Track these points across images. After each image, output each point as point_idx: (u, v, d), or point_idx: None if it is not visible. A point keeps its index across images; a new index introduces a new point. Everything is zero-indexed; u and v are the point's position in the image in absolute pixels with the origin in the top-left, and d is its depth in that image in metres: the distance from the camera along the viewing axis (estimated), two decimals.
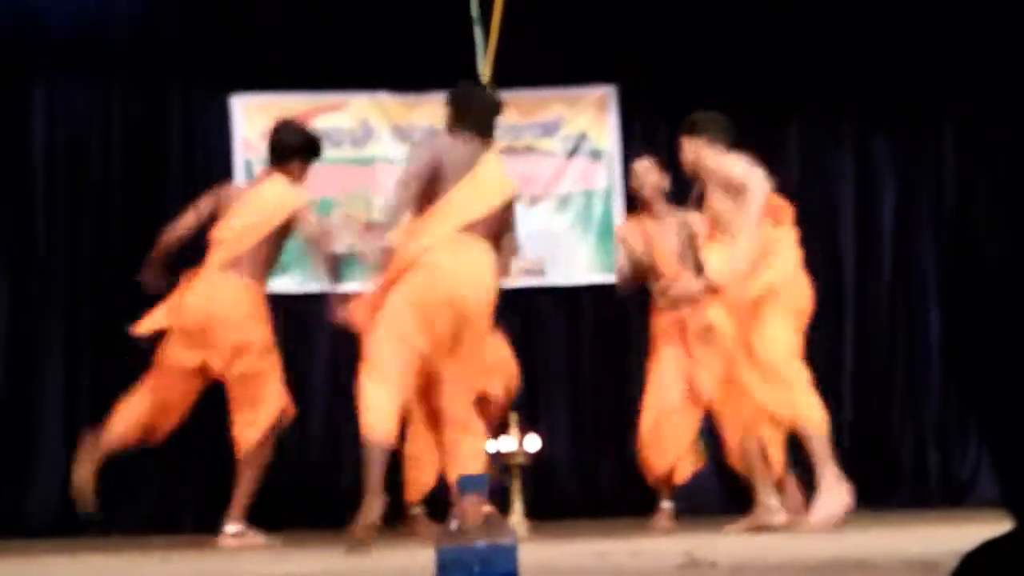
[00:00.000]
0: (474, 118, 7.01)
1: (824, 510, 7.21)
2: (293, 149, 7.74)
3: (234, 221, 7.66)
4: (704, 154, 7.50)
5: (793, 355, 7.42)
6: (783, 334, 7.41)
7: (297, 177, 7.73)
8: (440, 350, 6.70)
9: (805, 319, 7.57)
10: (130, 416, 7.64)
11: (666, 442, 8.29)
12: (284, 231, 7.65)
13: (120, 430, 7.66)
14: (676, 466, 8.34)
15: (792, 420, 7.37)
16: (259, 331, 7.58)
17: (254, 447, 7.51)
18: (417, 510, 7.94)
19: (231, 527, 7.49)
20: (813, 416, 7.32)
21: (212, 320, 7.53)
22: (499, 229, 6.93)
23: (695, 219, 8.21)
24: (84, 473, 7.62)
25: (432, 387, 6.89)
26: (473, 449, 6.81)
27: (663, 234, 8.47)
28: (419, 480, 7.91)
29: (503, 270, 7.01)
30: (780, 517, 7.44)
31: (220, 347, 7.50)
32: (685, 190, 8.05)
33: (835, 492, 7.23)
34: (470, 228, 6.78)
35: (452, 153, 6.88)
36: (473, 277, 6.73)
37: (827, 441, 7.34)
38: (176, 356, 7.60)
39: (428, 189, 6.81)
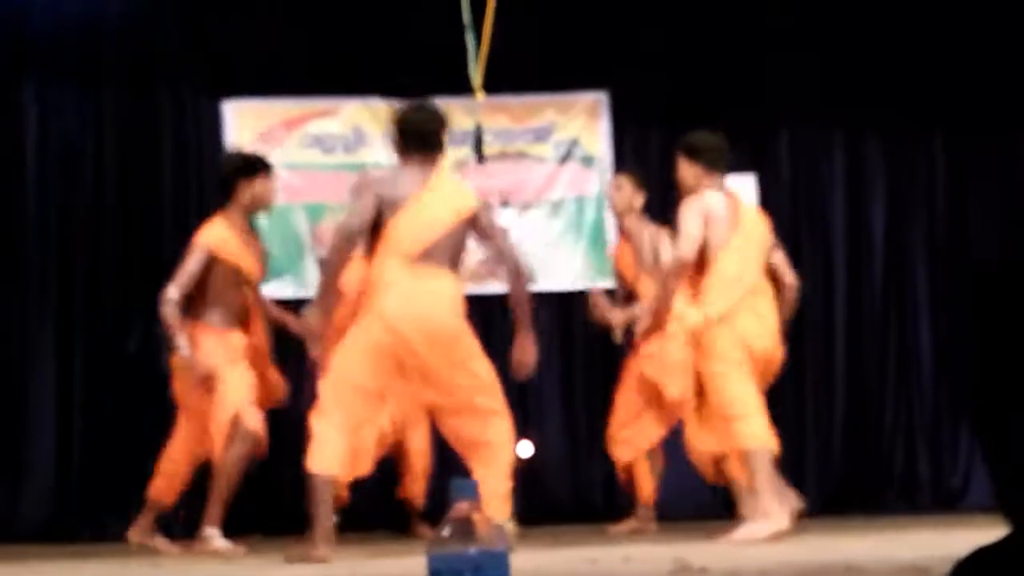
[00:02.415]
0: (415, 139, 6.83)
1: (751, 532, 7.20)
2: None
3: None
4: (701, 183, 7.58)
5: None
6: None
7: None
8: (417, 385, 6.68)
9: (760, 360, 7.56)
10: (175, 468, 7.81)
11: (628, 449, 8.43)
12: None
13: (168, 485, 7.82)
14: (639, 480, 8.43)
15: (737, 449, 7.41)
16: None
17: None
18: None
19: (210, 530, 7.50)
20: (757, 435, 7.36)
21: None
22: (458, 247, 6.80)
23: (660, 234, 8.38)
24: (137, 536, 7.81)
25: (438, 418, 6.91)
26: (491, 457, 6.78)
27: (637, 253, 8.58)
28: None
29: (515, 277, 6.89)
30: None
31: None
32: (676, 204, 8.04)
33: (771, 518, 7.20)
34: (420, 258, 6.65)
35: (391, 185, 6.75)
36: (424, 311, 6.57)
37: (768, 462, 7.33)
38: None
39: (374, 226, 6.71)
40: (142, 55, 9.43)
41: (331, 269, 6.77)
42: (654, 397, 8.10)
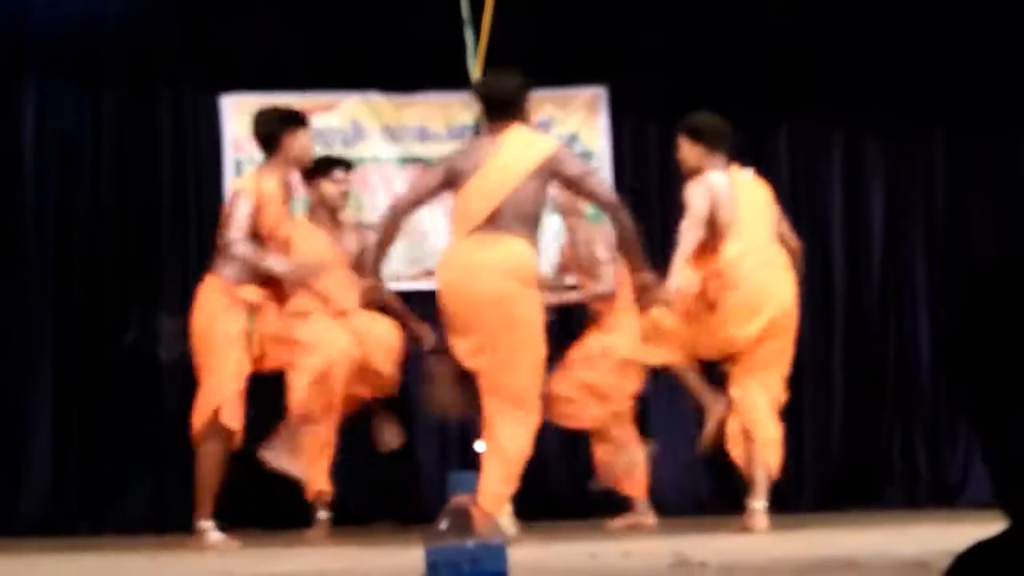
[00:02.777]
0: (491, 107, 7.01)
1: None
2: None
3: None
4: (703, 164, 7.61)
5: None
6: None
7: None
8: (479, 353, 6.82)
9: None
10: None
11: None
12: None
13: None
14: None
15: None
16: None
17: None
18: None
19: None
20: None
21: None
22: (532, 203, 6.82)
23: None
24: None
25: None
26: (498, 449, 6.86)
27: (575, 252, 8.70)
28: None
29: (621, 234, 7.00)
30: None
31: None
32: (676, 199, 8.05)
33: None
34: (484, 227, 6.75)
35: (461, 159, 6.95)
36: (478, 275, 6.72)
37: None
38: None
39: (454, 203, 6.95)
40: (141, 52, 9.42)
41: (376, 238, 7.12)
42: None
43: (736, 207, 7.61)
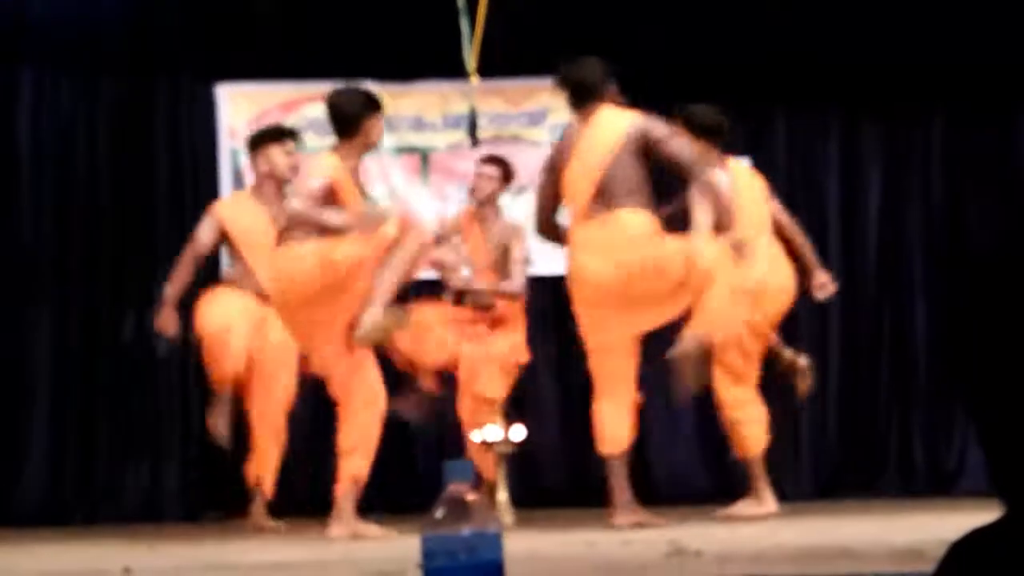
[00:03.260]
0: (573, 91, 7.22)
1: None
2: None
3: None
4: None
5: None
6: None
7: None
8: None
9: None
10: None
11: None
12: None
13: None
14: None
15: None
16: None
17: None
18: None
19: None
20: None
21: None
22: (633, 177, 7.02)
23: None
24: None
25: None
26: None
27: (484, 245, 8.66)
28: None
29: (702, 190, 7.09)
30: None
31: None
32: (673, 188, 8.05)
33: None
34: (591, 209, 6.99)
35: (557, 153, 7.24)
36: (599, 255, 6.97)
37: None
38: None
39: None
40: (136, 41, 9.41)
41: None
42: None
43: (733, 201, 7.60)
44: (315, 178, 6.95)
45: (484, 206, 8.59)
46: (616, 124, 7.13)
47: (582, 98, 7.17)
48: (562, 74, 7.32)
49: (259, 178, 8.14)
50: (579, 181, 7.06)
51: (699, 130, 7.65)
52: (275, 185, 8.01)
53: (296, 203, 6.90)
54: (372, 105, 7.26)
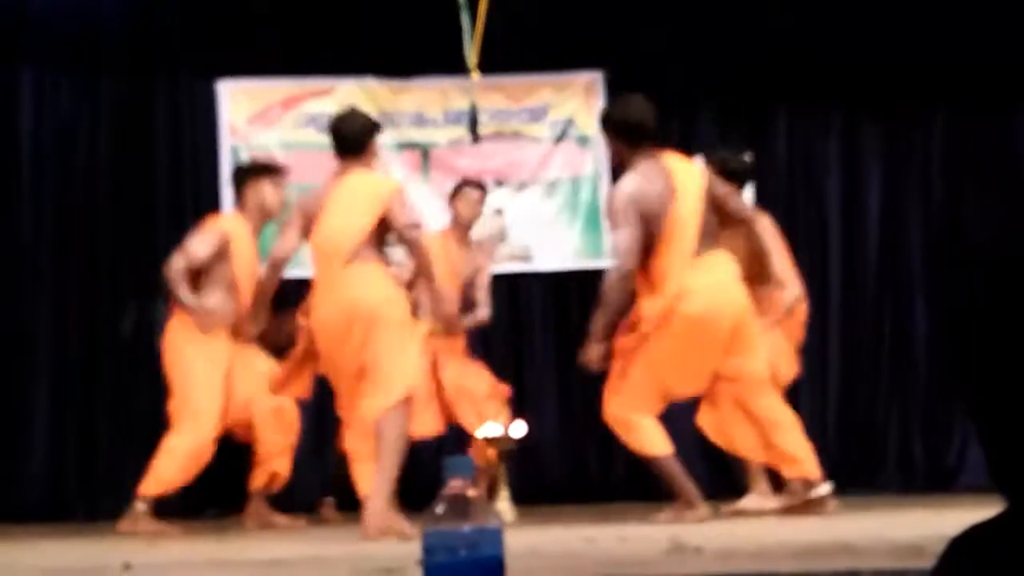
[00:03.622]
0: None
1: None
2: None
3: None
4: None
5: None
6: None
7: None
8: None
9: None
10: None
11: None
12: None
13: None
14: None
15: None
16: None
17: None
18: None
19: None
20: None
21: None
22: (710, 222, 7.13)
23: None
24: None
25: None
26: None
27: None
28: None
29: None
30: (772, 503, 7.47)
31: None
32: None
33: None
34: (697, 250, 7.07)
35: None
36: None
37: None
38: None
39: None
40: (137, 36, 9.42)
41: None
42: None
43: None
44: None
45: (463, 227, 8.62)
46: (694, 170, 7.29)
47: (642, 138, 7.13)
48: (619, 115, 7.26)
49: (247, 208, 8.07)
50: (688, 221, 7.09)
51: (730, 174, 7.72)
52: (260, 219, 8.05)
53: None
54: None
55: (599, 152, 9.61)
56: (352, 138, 7.02)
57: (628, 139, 7.16)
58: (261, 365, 7.82)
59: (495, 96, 9.51)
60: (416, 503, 7.51)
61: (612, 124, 7.24)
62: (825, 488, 7.27)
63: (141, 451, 8.72)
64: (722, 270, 7.18)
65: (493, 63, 8.61)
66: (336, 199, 6.89)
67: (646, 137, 7.14)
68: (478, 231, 8.86)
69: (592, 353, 7.23)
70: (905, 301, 9.88)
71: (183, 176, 9.43)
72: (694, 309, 7.07)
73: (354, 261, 6.77)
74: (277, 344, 7.80)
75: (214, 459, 7.82)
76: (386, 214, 6.82)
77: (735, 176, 7.80)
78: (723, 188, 7.35)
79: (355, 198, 6.90)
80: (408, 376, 6.77)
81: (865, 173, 9.98)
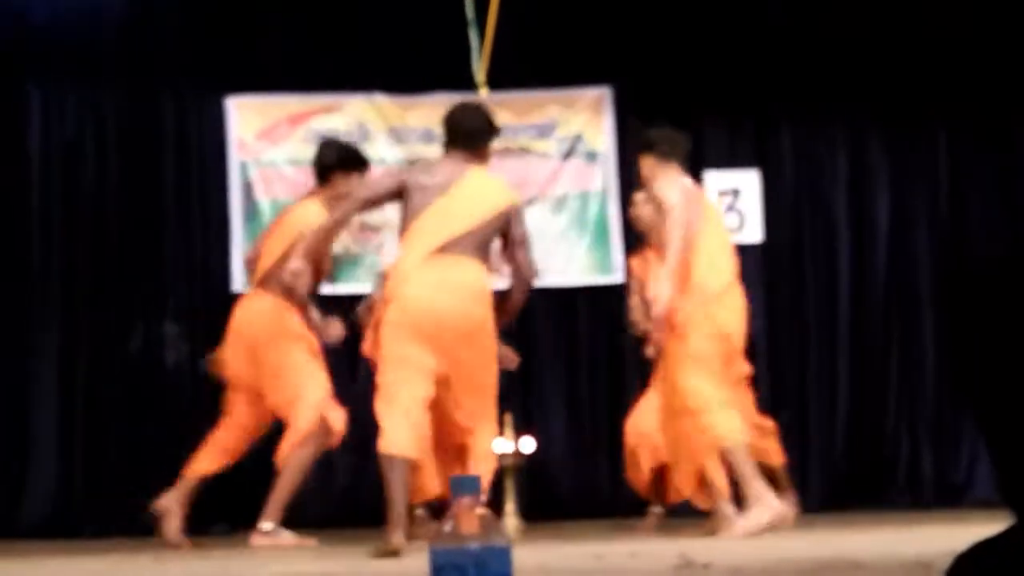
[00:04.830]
0: (461, 135, 7.06)
1: (752, 521, 7.16)
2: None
3: None
4: (656, 173, 7.58)
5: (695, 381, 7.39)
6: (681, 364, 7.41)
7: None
8: (444, 366, 6.80)
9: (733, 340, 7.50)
10: None
11: (644, 463, 8.28)
12: None
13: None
14: (666, 481, 8.26)
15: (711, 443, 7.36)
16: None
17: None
18: (419, 512, 7.98)
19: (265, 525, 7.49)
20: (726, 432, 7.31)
21: None
22: (487, 240, 6.96)
23: None
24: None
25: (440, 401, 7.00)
26: (482, 450, 6.92)
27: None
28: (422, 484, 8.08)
29: (519, 282, 7.13)
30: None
31: None
32: None
33: (763, 503, 7.19)
34: (445, 248, 6.82)
35: (422, 177, 6.98)
36: (443, 296, 6.76)
37: (746, 454, 7.30)
38: None
39: (403, 216, 6.95)
40: (144, 53, 9.43)
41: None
42: None
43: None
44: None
45: (652, 231, 8.62)
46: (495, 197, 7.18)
47: (462, 143, 7.10)
48: (447, 115, 7.22)
49: (333, 196, 7.83)
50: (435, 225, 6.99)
51: (656, 151, 7.69)
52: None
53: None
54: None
55: (607, 168, 9.62)
56: (476, 133, 7.08)
57: (444, 133, 7.22)
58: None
59: (503, 112, 9.49)
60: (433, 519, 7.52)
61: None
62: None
63: (150, 467, 8.73)
64: (435, 277, 7.00)
65: (501, 79, 8.62)
66: (461, 189, 6.92)
67: (451, 141, 7.15)
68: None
69: None
70: (913, 316, 9.87)
71: (191, 193, 9.43)
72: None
73: (464, 254, 6.84)
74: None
75: (223, 475, 7.80)
76: (506, 224, 6.94)
77: (656, 150, 7.73)
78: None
79: (482, 195, 6.97)
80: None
81: (872, 188, 9.97)
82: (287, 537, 7.45)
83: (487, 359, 6.89)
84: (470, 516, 1.94)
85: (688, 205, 7.43)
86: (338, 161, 7.83)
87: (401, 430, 6.62)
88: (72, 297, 9.20)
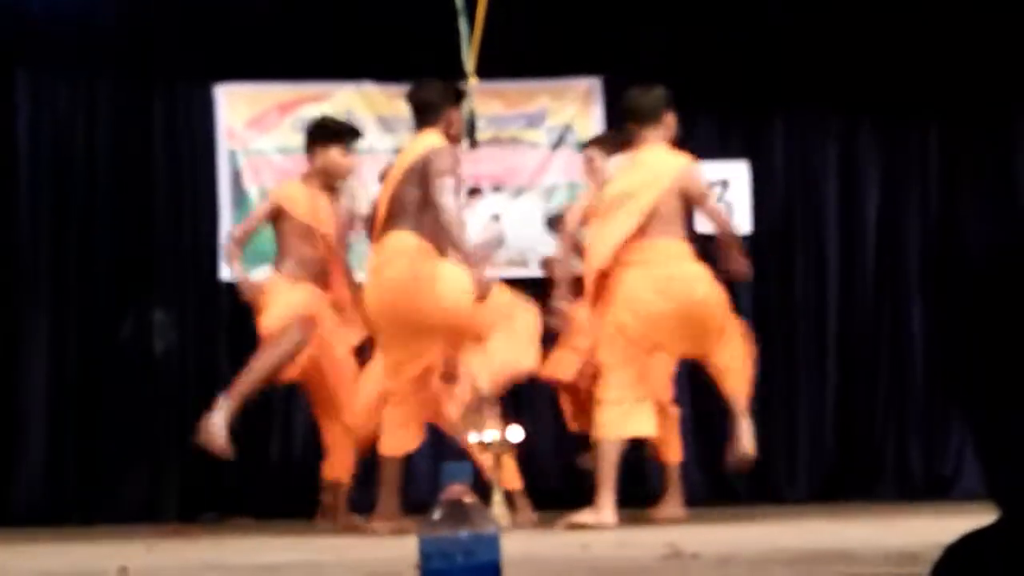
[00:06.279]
0: (415, 111, 7.35)
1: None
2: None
3: None
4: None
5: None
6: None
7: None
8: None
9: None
10: None
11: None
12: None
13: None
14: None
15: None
16: None
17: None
18: None
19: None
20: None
21: None
22: (414, 201, 7.03)
23: None
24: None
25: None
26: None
27: None
28: None
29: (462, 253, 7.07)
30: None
31: None
32: None
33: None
34: (385, 226, 7.01)
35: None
36: (382, 281, 6.97)
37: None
38: None
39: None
40: (134, 41, 9.41)
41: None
42: None
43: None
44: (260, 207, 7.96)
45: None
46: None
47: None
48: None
49: (313, 170, 7.96)
50: None
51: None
52: (324, 181, 7.96)
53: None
54: (324, 133, 7.84)
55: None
56: (423, 105, 7.27)
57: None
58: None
59: (493, 102, 9.50)
60: (413, 509, 7.53)
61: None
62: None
63: (140, 454, 8.74)
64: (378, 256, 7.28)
65: (491, 69, 8.61)
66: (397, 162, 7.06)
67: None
68: (476, 236, 8.85)
69: None
70: (902, 309, 9.88)
71: (181, 180, 9.42)
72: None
73: (397, 227, 7.03)
74: None
75: (213, 462, 7.79)
76: (422, 173, 7.02)
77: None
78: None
79: (404, 157, 7.18)
80: None
81: (863, 180, 9.98)
82: None
83: (432, 314, 6.94)
84: (459, 504, 1.94)
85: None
86: (313, 133, 7.94)
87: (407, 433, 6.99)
88: (61, 284, 9.18)
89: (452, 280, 6.96)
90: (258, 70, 9.41)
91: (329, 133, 7.88)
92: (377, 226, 7.12)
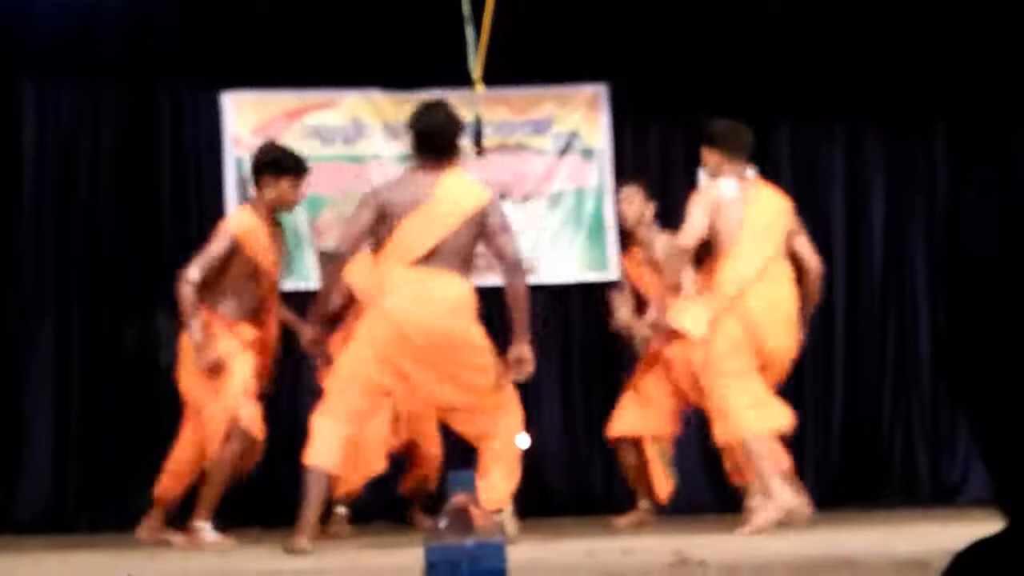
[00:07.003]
0: (427, 141, 7.00)
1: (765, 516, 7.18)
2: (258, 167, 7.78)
3: None
4: (723, 169, 7.69)
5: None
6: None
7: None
8: (425, 383, 6.77)
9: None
10: None
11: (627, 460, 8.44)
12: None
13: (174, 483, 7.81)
14: (650, 476, 8.34)
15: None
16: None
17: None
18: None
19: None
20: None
21: None
22: (468, 246, 6.87)
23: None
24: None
25: (448, 416, 7.07)
26: (501, 450, 6.91)
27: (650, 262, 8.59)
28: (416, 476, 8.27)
29: (511, 277, 6.96)
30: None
31: None
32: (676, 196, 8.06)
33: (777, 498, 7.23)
34: (423, 260, 6.77)
35: (396, 191, 6.93)
36: (423, 310, 6.71)
37: (767, 445, 7.37)
38: None
39: (378, 232, 6.86)
40: (139, 48, 9.41)
41: (321, 289, 7.11)
42: (679, 390, 8.16)
43: (742, 215, 7.65)
44: (217, 242, 7.61)
45: (636, 228, 8.73)
46: (470, 199, 7.12)
47: (431, 149, 7.12)
48: (412, 118, 7.19)
49: (261, 200, 7.82)
50: (416, 236, 6.99)
51: (716, 142, 7.80)
52: (270, 213, 7.82)
53: (193, 274, 7.55)
54: (273, 166, 7.64)
55: (603, 165, 9.62)
56: (442, 136, 7.08)
57: (411, 142, 7.16)
58: None
59: (499, 108, 9.51)
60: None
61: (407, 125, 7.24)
62: None
63: (144, 463, 8.72)
64: (415, 291, 6.99)
65: (497, 76, 8.61)
66: (436, 198, 6.89)
67: (419, 149, 7.09)
68: None
69: None
70: (909, 314, 9.88)
71: (187, 188, 9.42)
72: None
73: (443, 266, 6.92)
74: None
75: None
76: (481, 222, 6.92)
77: (716, 144, 7.94)
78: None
79: (454, 200, 6.94)
80: None
81: (868, 185, 9.97)
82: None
83: (477, 368, 6.80)
84: (465, 512, 1.94)
85: (718, 211, 7.61)
86: (267, 165, 7.73)
87: (330, 444, 6.67)
88: (67, 292, 9.19)
89: (486, 344, 6.92)
90: (265, 77, 9.41)
91: (282, 167, 7.74)
92: (405, 254, 6.87)
